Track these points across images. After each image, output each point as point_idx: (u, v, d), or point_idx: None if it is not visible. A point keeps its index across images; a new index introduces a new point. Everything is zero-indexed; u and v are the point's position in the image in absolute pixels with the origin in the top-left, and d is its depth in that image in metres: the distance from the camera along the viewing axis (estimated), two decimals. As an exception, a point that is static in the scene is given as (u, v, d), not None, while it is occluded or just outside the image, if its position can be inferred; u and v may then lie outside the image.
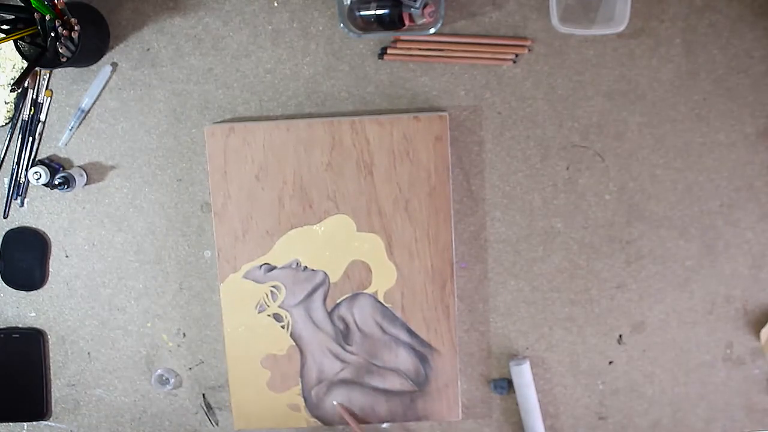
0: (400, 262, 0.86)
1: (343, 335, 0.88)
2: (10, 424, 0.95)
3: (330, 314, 0.87)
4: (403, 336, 0.87)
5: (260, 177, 0.85)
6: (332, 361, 0.88)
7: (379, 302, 0.87)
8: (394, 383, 0.88)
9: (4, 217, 0.90)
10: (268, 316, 0.87)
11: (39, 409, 0.94)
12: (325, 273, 0.86)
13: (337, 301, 0.87)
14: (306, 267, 0.86)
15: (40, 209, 0.90)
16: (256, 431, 0.91)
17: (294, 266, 0.86)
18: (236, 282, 0.87)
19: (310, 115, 0.88)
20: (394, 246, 0.86)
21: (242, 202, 0.85)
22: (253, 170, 0.85)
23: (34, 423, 0.95)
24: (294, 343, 0.88)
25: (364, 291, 0.87)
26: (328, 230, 0.86)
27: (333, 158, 0.84)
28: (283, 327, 0.87)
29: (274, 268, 0.86)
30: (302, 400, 0.89)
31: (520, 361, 0.90)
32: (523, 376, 0.89)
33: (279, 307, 0.87)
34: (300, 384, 0.88)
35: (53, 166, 0.88)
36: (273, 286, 0.87)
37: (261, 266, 0.86)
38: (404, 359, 0.88)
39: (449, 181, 0.85)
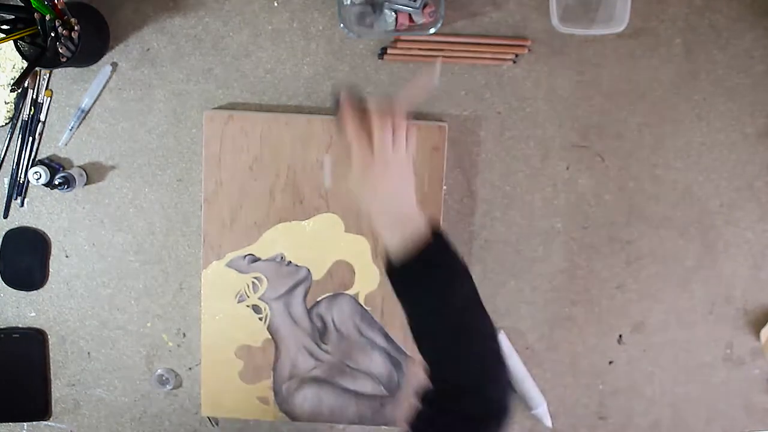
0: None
1: (320, 333, 0.88)
2: (10, 424, 0.95)
3: (309, 311, 0.87)
4: (380, 340, 0.87)
5: (254, 167, 0.85)
6: (306, 358, 0.88)
7: (359, 304, 0.87)
8: (365, 386, 0.88)
9: (4, 217, 0.90)
10: (247, 306, 0.87)
11: (39, 409, 0.94)
12: (309, 270, 0.87)
13: (318, 299, 0.87)
14: (290, 262, 0.86)
15: (40, 209, 0.90)
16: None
17: (278, 260, 0.86)
18: (219, 270, 0.87)
19: (310, 114, 0.88)
20: (380, 250, 0.85)
21: (233, 191, 0.85)
22: (248, 160, 0.85)
23: (34, 423, 0.95)
24: (270, 337, 0.88)
25: (346, 292, 0.87)
26: (316, 227, 0.86)
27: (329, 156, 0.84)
28: (260, 319, 0.88)
29: (258, 259, 0.86)
30: (272, 393, 0.89)
31: None
32: (502, 346, 0.88)
33: (259, 299, 0.87)
34: (272, 377, 0.89)
35: (53, 166, 0.88)
36: (255, 278, 0.87)
37: (245, 256, 0.86)
38: (378, 363, 0.88)
39: (441, 192, 0.85)
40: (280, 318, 0.88)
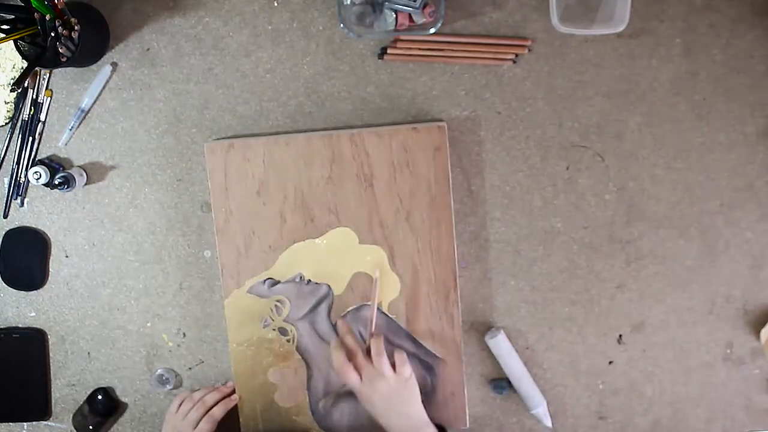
0: (403, 273, 0.86)
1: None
2: (10, 424, 0.95)
3: (335, 327, 0.87)
4: (409, 346, 0.87)
5: (261, 192, 0.85)
6: None
7: (384, 313, 0.86)
8: None
9: (4, 217, 0.90)
10: (273, 330, 0.87)
11: (39, 409, 0.94)
12: (329, 286, 0.86)
13: (342, 314, 0.87)
14: (310, 280, 0.86)
15: (40, 209, 0.90)
16: None
17: (298, 280, 0.86)
18: (241, 297, 0.87)
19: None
20: (396, 257, 0.86)
21: (244, 218, 0.85)
22: (254, 186, 0.85)
23: (34, 423, 0.95)
24: (300, 357, 0.88)
25: (369, 303, 0.86)
26: (330, 243, 0.86)
27: (333, 171, 0.84)
28: (288, 341, 0.87)
29: (278, 282, 0.86)
30: (310, 412, 0.89)
31: (494, 333, 0.89)
32: (501, 346, 0.89)
33: (284, 321, 0.87)
34: (307, 397, 0.88)
35: (53, 166, 0.88)
36: (278, 301, 0.87)
37: (265, 281, 0.86)
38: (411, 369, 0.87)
39: (449, 191, 0.85)
40: (307, 337, 0.87)
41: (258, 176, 0.84)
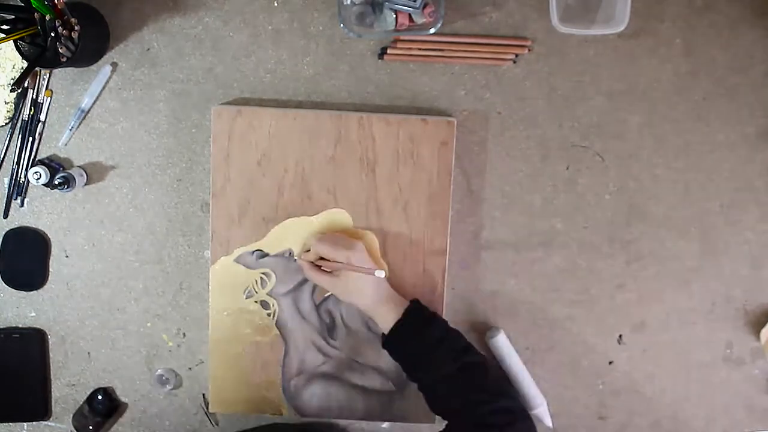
0: (392, 262, 0.86)
1: (329, 329, 0.88)
2: (10, 424, 0.95)
3: (317, 307, 0.87)
4: None
5: (262, 163, 0.85)
6: (315, 354, 0.88)
7: None
8: (374, 382, 0.88)
9: (4, 217, 0.90)
10: (256, 302, 0.87)
11: (39, 409, 0.94)
12: None
13: (326, 295, 0.87)
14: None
15: (40, 209, 0.90)
16: (232, 414, 0.92)
17: (287, 255, 0.86)
18: (227, 265, 0.86)
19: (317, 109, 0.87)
20: (388, 246, 0.86)
21: (242, 186, 0.85)
22: (256, 155, 0.85)
23: (34, 423, 0.95)
24: (278, 332, 0.88)
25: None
26: (324, 223, 0.86)
27: (337, 152, 0.84)
28: (269, 315, 0.87)
29: (267, 255, 0.86)
30: (281, 389, 0.89)
31: (494, 333, 0.89)
32: (502, 346, 0.89)
33: (267, 294, 0.87)
34: (280, 373, 0.88)
35: (53, 166, 0.88)
36: (263, 273, 0.87)
37: (254, 252, 0.86)
38: (386, 359, 0.87)
39: (450, 187, 0.85)
40: (288, 313, 0.87)
41: (261, 146, 0.84)
